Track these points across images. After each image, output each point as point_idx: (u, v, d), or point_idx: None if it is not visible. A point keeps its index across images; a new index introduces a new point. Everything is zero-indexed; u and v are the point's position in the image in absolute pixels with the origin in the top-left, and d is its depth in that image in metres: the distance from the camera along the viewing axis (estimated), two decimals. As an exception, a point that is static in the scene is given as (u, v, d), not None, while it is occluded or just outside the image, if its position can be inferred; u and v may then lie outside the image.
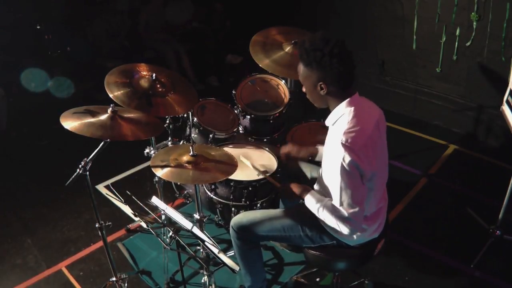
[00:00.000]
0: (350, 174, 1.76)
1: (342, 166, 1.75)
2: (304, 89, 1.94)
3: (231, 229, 2.22)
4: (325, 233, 2.04)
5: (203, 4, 5.42)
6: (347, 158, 1.74)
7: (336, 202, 1.85)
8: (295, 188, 2.05)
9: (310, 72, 1.83)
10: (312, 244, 2.10)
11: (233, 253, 2.32)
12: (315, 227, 2.05)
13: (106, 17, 4.90)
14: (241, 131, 3.06)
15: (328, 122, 1.94)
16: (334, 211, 1.85)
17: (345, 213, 1.82)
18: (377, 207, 2.01)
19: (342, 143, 1.75)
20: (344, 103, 1.86)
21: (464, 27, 3.78)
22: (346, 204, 1.81)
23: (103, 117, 1.99)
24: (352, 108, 1.84)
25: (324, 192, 1.99)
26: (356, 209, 1.81)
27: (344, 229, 1.86)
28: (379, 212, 2.04)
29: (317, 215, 1.95)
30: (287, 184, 2.10)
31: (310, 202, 1.96)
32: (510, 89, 2.63)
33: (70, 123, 1.91)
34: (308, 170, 2.43)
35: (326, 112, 1.95)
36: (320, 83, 1.83)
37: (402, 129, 4.26)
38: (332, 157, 1.81)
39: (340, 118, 1.86)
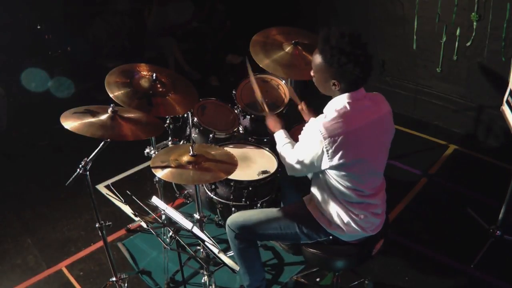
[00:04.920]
0: (311, 137, 1.86)
1: (311, 126, 1.87)
2: (312, 73, 1.96)
3: (227, 228, 2.23)
4: (321, 230, 2.06)
5: (203, 4, 5.42)
6: (318, 126, 1.83)
7: (295, 148, 2.02)
8: (274, 121, 2.35)
9: (327, 68, 1.84)
10: (309, 240, 2.11)
11: (233, 253, 2.32)
12: (311, 224, 2.07)
13: (106, 17, 4.90)
14: (241, 131, 3.06)
15: (325, 109, 1.97)
16: (290, 152, 2.06)
17: (293, 161, 1.99)
18: (364, 201, 1.98)
19: (321, 118, 1.87)
20: (345, 97, 1.88)
21: (464, 27, 3.78)
22: (297, 155, 1.96)
23: (103, 117, 1.99)
24: (349, 104, 1.87)
25: (320, 188, 2.02)
26: (298, 167, 1.97)
27: (287, 166, 2.06)
28: (371, 211, 2.01)
29: (278, 149, 2.21)
30: (273, 115, 2.42)
31: (280, 137, 2.24)
32: (510, 89, 2.63)
33: (70, 123, 1.91)
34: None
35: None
36: (334, 81, 1.86)
37: (402, 129, 4.25)
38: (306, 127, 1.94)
39: (334, 107, 1.90)
